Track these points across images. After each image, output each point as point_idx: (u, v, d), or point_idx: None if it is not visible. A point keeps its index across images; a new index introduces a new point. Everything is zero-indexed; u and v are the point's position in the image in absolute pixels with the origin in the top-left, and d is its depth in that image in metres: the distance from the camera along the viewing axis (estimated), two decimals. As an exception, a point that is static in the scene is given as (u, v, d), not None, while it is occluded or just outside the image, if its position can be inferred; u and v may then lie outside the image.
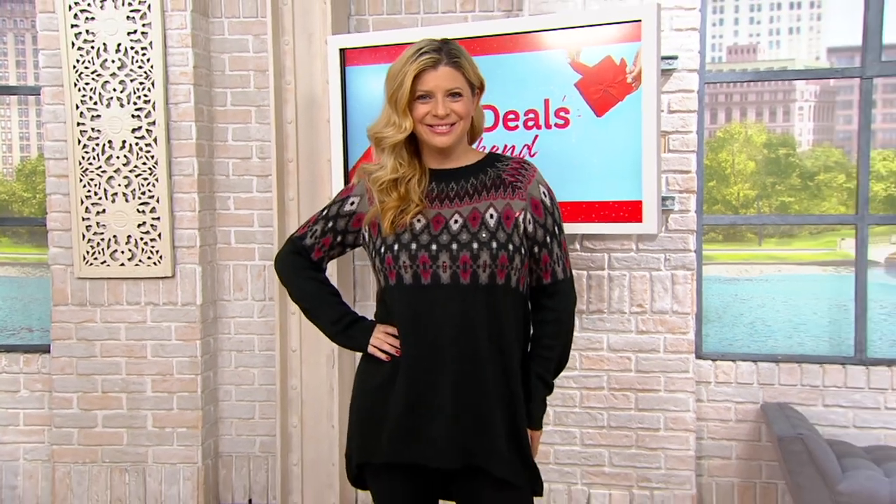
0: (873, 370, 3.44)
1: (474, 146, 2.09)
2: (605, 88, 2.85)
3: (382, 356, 1.98)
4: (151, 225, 3.82)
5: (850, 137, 3.69)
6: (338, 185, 3.39)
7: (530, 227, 1.92)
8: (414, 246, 1.88)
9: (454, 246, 1.86)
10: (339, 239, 2.07)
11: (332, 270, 3.71)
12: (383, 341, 1.98)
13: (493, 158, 2.00)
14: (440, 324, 1.87)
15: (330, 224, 2.07)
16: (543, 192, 1.94)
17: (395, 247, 1.90)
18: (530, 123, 2.94)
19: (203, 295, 3.86)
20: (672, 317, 3.35)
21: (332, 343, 3.66)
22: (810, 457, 2.90)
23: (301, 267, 2.13)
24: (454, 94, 1.86)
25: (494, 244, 1.85)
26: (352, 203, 2.03)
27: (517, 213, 1.90)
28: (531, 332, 2.03)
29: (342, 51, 3.29)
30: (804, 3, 3.76)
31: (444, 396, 1.87)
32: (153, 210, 3.82)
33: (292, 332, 3.79)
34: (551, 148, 2.91)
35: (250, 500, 4.04)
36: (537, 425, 2.01)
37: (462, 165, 1.96)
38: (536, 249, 1.94)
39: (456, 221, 1.89)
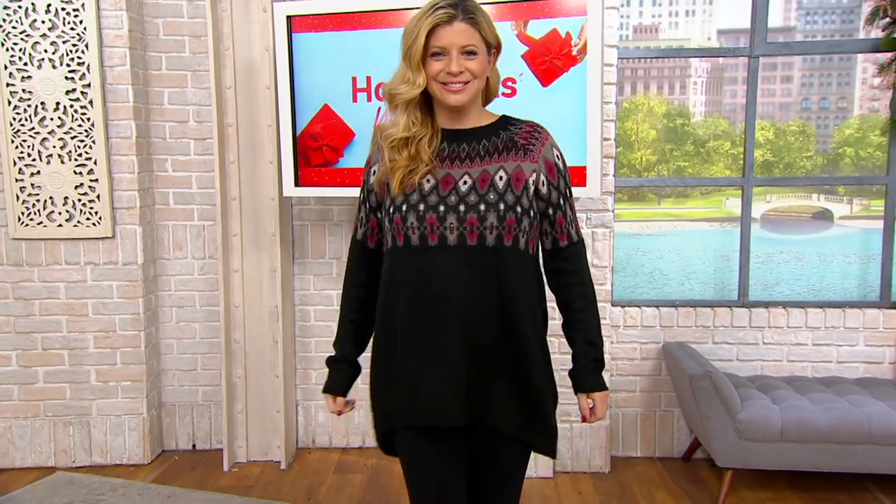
0: (754, 311, 3.52)
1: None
2: (551, 60, 2.70)
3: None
4: (90, 186, 3.44)
5: (735, 109, 3.72)
6: (287, 149, 3.11)
7: (544, 189, 1.71)
8: (422, 207, 1.66)
9: (462, 207, 1.65)
10: (379, 215, 1.80)
11: (273, 229, 3.45)
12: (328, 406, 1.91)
13: (506, 121, 1.77)
14: (448, 285, 1.65)
15: (368, 205, 1.82)
16: (557, 156, 1.75)
17: (404, 207, 1.67)
18: (478, 92, 2.76)
19: (144, 254, 3.52)
20: (593, 270, 3.25)
21: (275, 298, 3.47)
22: (717, 391, 2.93)
23: (349, 279, 1.91)
24: (469, 52, 1.62)
25: (502, 206, 1.64)
26: (373, 173, 1.79)
27: (528, 176, 1.69)
28: (557, 299, 1.82)
29: (289, 17, 2.97)
30: (699, -12, 3.72)
31: (452, 356, 1.67)
32: (91, 172, 3.43)
33: (235, 289, 3.52)
34: (498, 116, 2.74)
35: (194, 446, 3.78)
36: (591, 387, 1.77)
37: (475, 126, 1.74)
38: (551, 212, 1.73)
39: (465, 183, 1.66)
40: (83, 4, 3.33)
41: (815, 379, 3.45)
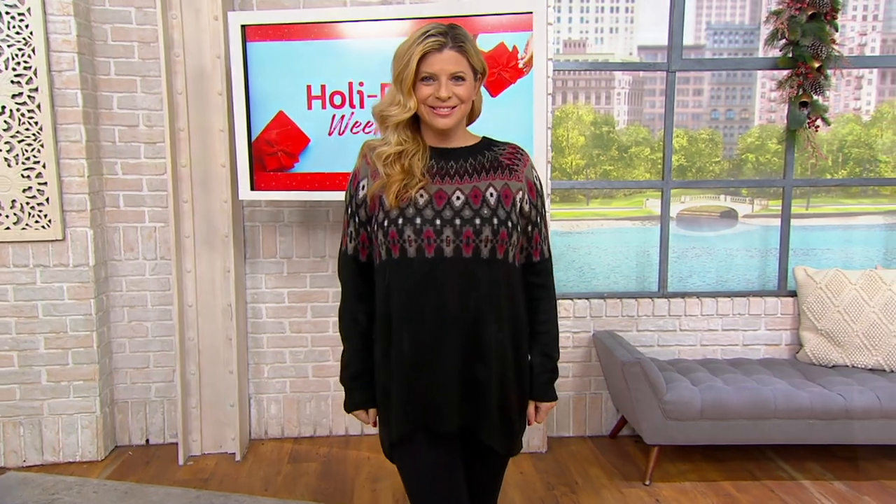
0: (672, 301, 3.66)
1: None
2: (499, 72, 2.70)
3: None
4: (38, 190, 3.25)
5: (654, 119, 3.83)
6: (242, 155, 3.02)
7: (526, 207, 1.72)
8: (418, 220, 1.63)
9: (457, 221, 1.63)
10: (369, 229, 1.74)
11: (226, 231, 3.35)
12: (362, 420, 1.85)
13: (488, 142, 1.77)
14: (444, 295, 1.63)
15: (357, 219, 1.75)
16: (535, 177, 1.77)
17: (400, 221, 1.64)
18: (430, 103, 2.76)
19: (95, 256, 3.36)
20: (531, 266, 3.34)
21: (229, 297, 3.37)
22: (645, 376, 3.03)
23: (349, 294, 1.80)
24: (457, 78, 1.62)
25: (496, 220, 1.64)
26: (363, 188, 1.73)
27: (515, 194, 1.69)
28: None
29: (243, 27, 2.89)
30: (621, 8, 3.82)
31: (447, 364, 1.65)
32: (39, 175, 3.24)
33: (188, 289, 3.40)
34: (449, 126, 2.74)
35: (147, 441, 3.64)
36: (540, 397, 1.80)
37: (461, 146, 1.72)
38: (530, 228, 1.74)
39: (458, 198, 1.65)
40: (29, 9, 3.13)
41: (724, 361, 3.62)
